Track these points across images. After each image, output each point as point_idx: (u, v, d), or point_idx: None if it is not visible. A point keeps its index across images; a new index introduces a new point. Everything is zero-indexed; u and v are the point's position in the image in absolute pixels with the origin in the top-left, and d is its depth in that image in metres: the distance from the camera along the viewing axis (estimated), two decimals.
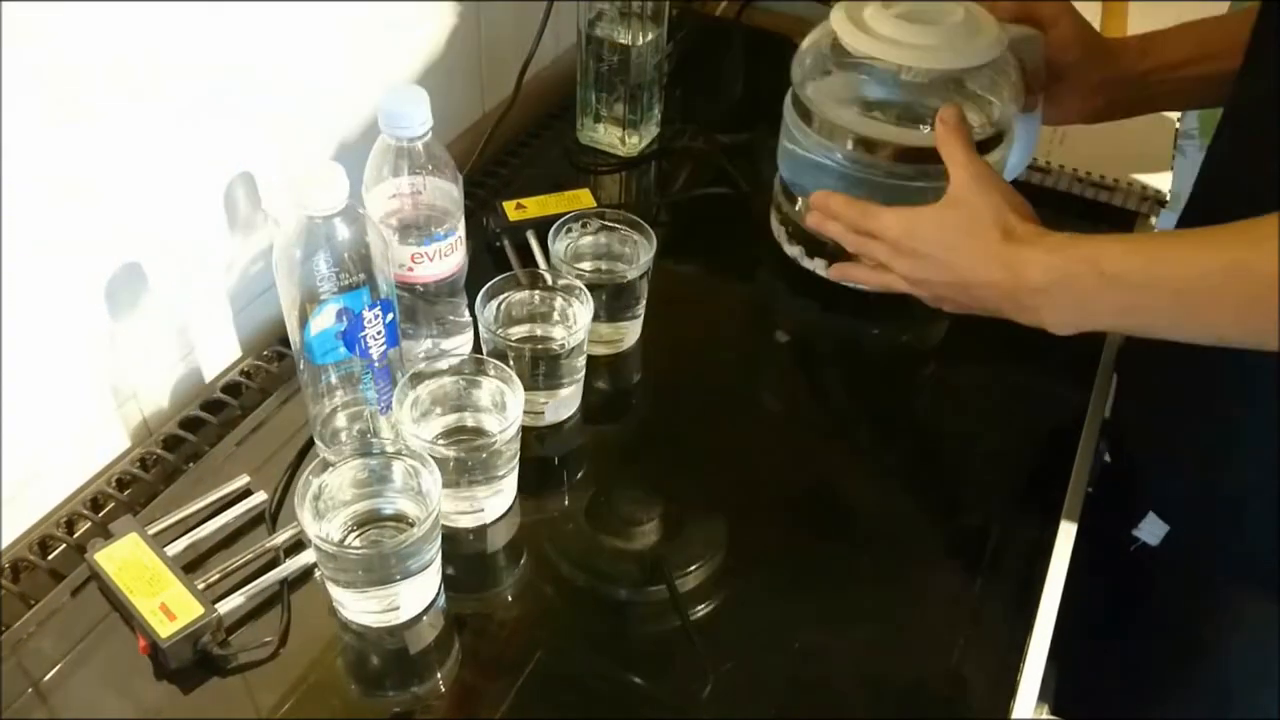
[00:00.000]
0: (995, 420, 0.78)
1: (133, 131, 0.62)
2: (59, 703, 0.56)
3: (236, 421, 0.72)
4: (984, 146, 0.78)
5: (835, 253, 0.83)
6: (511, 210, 0.84)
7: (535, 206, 0.85)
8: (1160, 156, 1.00)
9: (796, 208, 0.85)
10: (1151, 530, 0.75)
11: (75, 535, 0.64)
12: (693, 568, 0.65)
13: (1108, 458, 0.80)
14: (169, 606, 0.56)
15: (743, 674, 0.59)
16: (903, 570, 0.67)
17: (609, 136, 0.98)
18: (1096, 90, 0.79)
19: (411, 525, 0.58)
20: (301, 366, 0.63)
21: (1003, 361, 0.81)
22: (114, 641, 0.58)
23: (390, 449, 0.60)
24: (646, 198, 0.98)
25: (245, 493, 0.65)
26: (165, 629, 0.55)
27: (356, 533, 0.60)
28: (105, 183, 0.61)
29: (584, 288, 0.70)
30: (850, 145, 0.78)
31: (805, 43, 0.83)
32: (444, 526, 0.64)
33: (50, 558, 0.63)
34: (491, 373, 0.65)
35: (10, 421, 0.61)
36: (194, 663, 0.56)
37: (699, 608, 0.63)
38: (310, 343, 0.61)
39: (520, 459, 0.66)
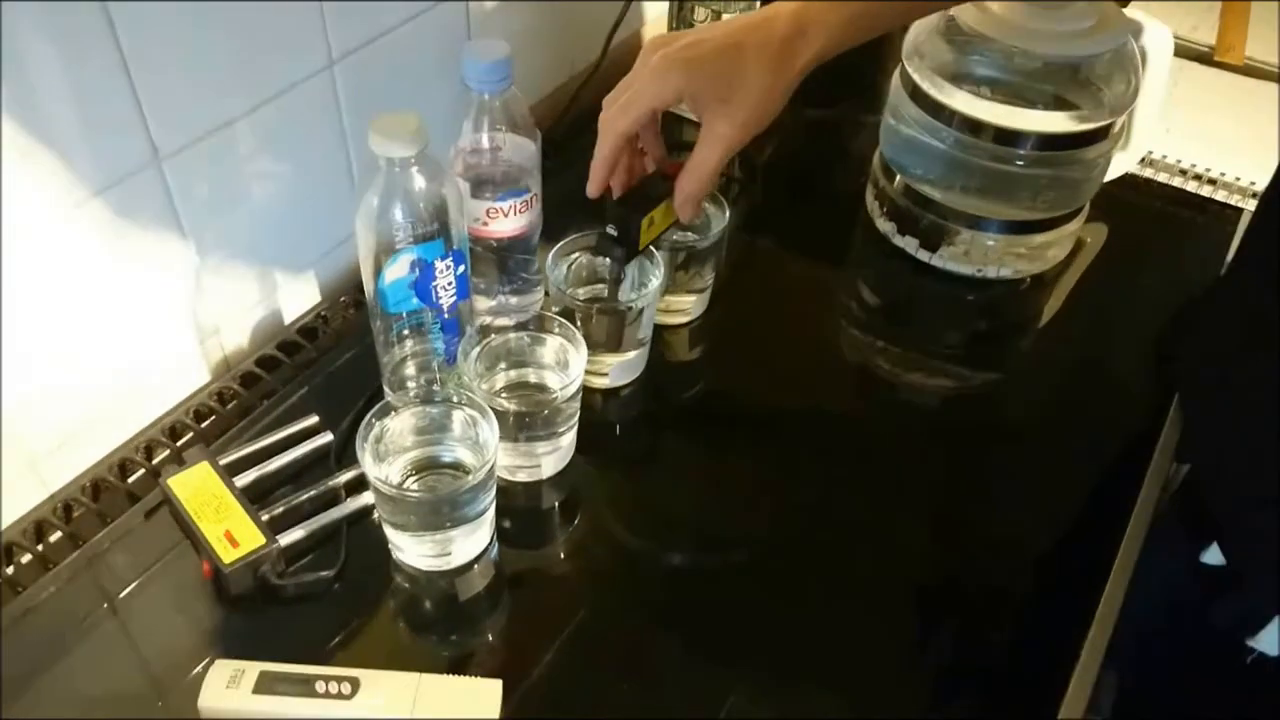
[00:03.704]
0: (1077, 417, 0.75)
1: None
2: (128, 617, 0.59)
3: (311, 363, 0.74)
4: (1092, 137, 0.75)
5: (927, 232, 0.81)
6: (645, 229, 0.66)
7: (660, 219, 0.67)
8: (1269, 150, 0.95)
9: (895, 184, 0.83)
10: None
11: (154, 461, 0.67)
12: (745, 541, 0.64)
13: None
14: (233, 534, 0.59)
15: (790, 652, 0.59)
16: (966, 560, 0.66)
17: None
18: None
19: (468, 474, 0.59)
20: (375, 314, 0.64)
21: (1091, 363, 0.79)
22: (181, 564, 0.60)
23: (451, 399, 0.60)
24: (728, 168, 0.97)
25: (314, 431, 0.67)
26: (228, 555, 0.58)
27: (415, 477, 0.61)
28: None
29: (656, 252, 0.70)
30: (956, 125, 0.76)
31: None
32: (501, 480, 0.65)
33: (129, 480, 0.66)
34: (556, 331, 0.65)
35: (100, 349, 0.64)
36: (253, 590, 0.58)
37: (749, 582, 0.62)
38: (384, 291, 0.62)
39: (581, 420, 0.66)
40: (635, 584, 0.63)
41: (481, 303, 0.74)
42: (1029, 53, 0.73)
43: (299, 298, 0.78)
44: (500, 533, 0.63)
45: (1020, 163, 0.75)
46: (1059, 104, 0.76)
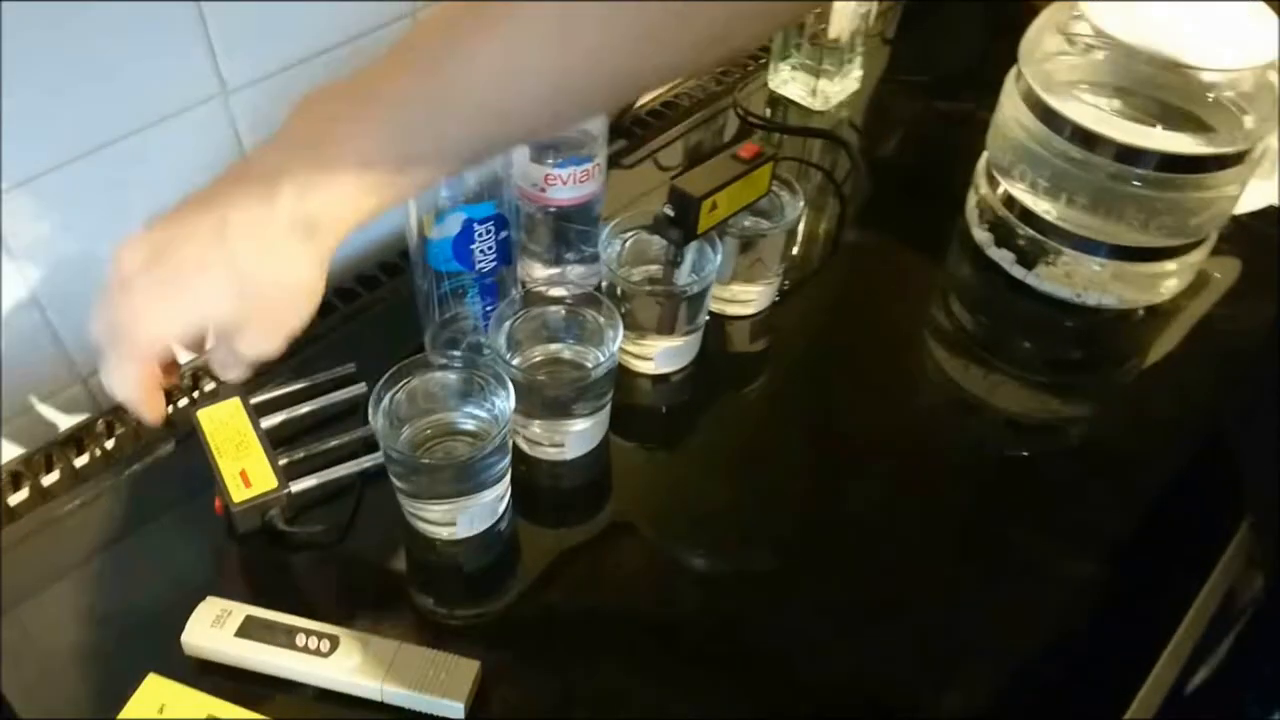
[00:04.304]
0: (1163, 470, 0.68)
1: None
2: (140, 540, 0.60)
3: (364, 310, 0.73)
4: (1223, 162, 0.67)
5: (1025, 247, 0.75)
6: (706, 213, 0.63)
7: (725, 203, 0.64)
8: None
9: (997, 192, 0.77)
10: None
11: (202, 390, 0.68)
12: (776, 549, 0.61)
13: None
14: (248, 474, 0.59)
15: (798, 663, 0.56)
16: (1009, 598, 0.60)
17: (800, 88, 0.92)
18: None
19: (482, 443, 0.57)
20: (416, 271, 0.63)
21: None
22: (200, 496, 0.61)
23: (471, 365, 0.59)
24: (830, 158, 0.91)
25: (349, 380, 0.66)
26: (239, 494, 0.58)
27: (432, 442, 0.60)
28: None
29: (718, 238, 0.66)
30: (1069, 135, 0.69)
31: (1046, 10, 0.74)
32: (525, 454, 0.63)
33: (172, 406, 0.67)
34: (597, 308, 0.63)
35: None
36: (259, 532, 0.58)
37: (773, 592, 0.59)
38: (430, 249, 0.61)
39: (622, 402, 0.64)
40: (649, 580, 0.60)
41: (539, 270, 0.72)
42: (1158, 59, 0.66)
43: (361, 245, 0.77)
44: (516, 507, 0.61)
45: (1137, 183, 0.68)
46: (1188, 121, 0.68)
